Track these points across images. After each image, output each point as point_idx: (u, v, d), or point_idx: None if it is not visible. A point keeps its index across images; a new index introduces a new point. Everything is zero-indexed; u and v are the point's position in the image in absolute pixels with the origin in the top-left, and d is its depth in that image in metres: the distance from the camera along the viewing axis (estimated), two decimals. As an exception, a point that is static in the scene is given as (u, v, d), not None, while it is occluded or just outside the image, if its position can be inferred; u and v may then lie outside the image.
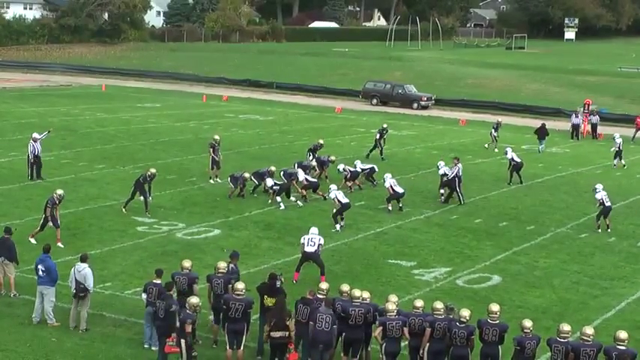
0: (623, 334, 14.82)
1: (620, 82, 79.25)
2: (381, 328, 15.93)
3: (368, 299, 16.52)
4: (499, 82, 79.04)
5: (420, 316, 15.95)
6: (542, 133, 46.84)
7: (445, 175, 32.13)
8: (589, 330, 15.12)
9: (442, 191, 32.04)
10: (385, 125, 41.68)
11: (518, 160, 35.58)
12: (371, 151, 40.32)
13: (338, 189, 28.48)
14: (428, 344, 15.73)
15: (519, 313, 19.77)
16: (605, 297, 22.06)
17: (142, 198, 28.10)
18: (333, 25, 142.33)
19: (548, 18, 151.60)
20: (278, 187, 30.09)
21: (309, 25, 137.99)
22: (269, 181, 30.25)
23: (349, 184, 32.70)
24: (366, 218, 28.83)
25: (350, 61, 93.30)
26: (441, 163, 32.98)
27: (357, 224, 27.93)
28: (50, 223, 23.97)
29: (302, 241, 21.84)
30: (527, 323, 15.35)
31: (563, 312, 20.40)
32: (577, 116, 52.44)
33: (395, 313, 15.98)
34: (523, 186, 35.06)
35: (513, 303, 20.87)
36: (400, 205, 30.01)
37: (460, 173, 31.83)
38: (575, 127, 51.55)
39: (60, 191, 24.70)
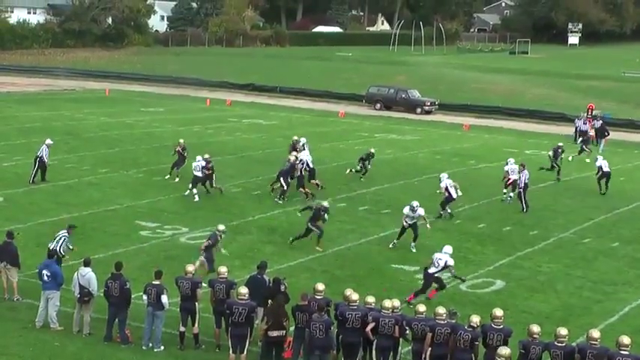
0: (626, 340, 14.78)
1: (624, 87, 79.25)
2: (373, 324, 15.97)
3: (397, 309, 16.41)
4: (503, 87, 79.07)
5: (423, 320, 15.96)
6: (601, 131, 48.92)
7: (447, 188, 30.49)
8: (595, 334, 15.07)
9: (442, 212, 30.12)
10: (373, 150, 37.15)
11: (607, 169, 35.47)
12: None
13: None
14: (430, 349, 15.73)
15: (523, 318, 19.75)
16: (609, 302, 22.03)
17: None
18: (336, 29, 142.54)
19: (551, 23, 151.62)
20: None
21: (313, 30, 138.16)
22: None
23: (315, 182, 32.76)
24: (369, 223, 28.82)
25: (353, 65, 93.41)
26: (444, 176, 30.82)
27: (361, 229, 27.93)
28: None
29: (433, 259, 21.14)
30: (536, 328, 15.32)
31: (566, 317, 20.36)
32: (580, 119, 52.47)
33: (391, 312, 16.04)
34: (527, 190, 34.85)
35: (517, 308, 20.84)
36: (449, 211, 29.97)
37: (527, 180, 31.69)
38: (583, 133, 51.34)
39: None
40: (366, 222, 28.88)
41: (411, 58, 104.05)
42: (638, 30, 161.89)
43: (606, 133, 50.31)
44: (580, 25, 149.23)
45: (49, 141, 33.16)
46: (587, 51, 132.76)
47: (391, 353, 16.26)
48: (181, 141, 34.69)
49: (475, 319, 15.64)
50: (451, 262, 20.98)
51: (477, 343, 15.56)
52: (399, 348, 16.46)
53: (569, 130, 54.11)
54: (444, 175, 30.79)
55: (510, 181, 32.78)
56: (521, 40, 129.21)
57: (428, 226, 25.79)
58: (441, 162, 41.39)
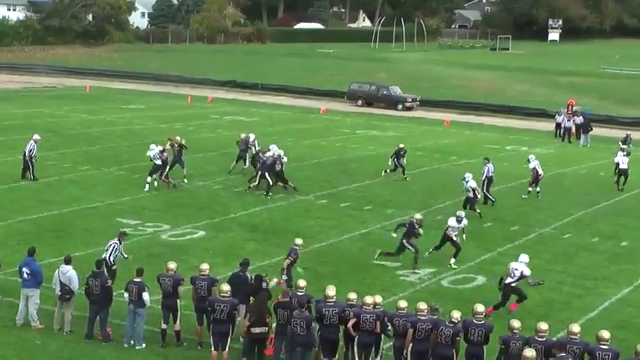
0: (606, 334, 14.87)
1: (604, 83, 79.65)
2: (354, 320, 16.01)
3: (379, 305, 16.41)
4: (484, 83, 79.26)
5: (404, 316, 16.00)
6: (584, 127, 49.69)
7: (471, 189, 29.90)
8: (575, 328, 15.21)
9: (478, 211, 29.77)
10: (402, 145, 36.56)
11: (624, 166, 35.69)
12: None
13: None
14: (411, 345, 15.78)
15: (504, 313, 19.81)
16: (589, 297, 22.16)
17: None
18: (318, 26, 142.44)
19: (532, 19, 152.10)
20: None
21: (294, 27, 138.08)
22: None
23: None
24: (351, 219, 28.84)
25: (335, 62, 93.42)
26: (469, 176, 30.14)
27: (343, 225, 27.96)
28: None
29: (509, 268, 20.55)
30: (516, 324, 15.41)
31: (547, 312, 20.45)
32: (560, 115, 52.86)
33: (372, 308, 16.07)
34: (505, 187, 34.90)
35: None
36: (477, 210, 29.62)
37: (490, 174, 31.79)
38: (567, 130, 51.61)
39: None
40: (347, 218, 28.91)
41: (393, 55, 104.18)
42: (617, 26, 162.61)
43: (589, 128, 50.66)
44: (560, 22, 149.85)
45: (36, 136, 32.88)
46: (567, 47, 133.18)
47: (373, 349, 16.30)
48: (178, 138, 34.25)
49: (456, 315, 15.70)
50: (527, 271, 20.29)
51: (458, 338, 15.61)
52: (381, 344, 16.49)
53: (549, 126, 54.42)
54: (469, 176, 30.08)
55: (541, 176, 33.04)
56: (502, 36, 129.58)
57: (464, 237, 24.75)
58: (423, 158, 41.47)
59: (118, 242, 20.27)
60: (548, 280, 23.24)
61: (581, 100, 63.32)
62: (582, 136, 50.13)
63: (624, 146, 41.34)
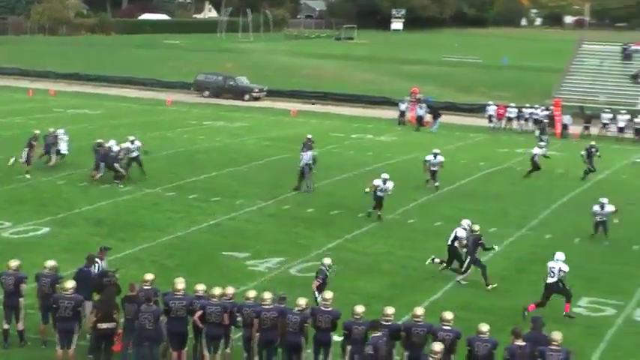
0: (448, 315, 15.36)
1: (445, 71, 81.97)
2: (201, 312, 16.01)
3: (227, 296, 16.33)
4: (330, 73, 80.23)
5: (251, 306, 16.07)
6: (432, 114, 52.15)
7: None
8: (419, 311, 15.63)
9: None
10: (309, 136, 35.41)
11: (536, 158, 36.74)
12: None
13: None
14: (258, 334, 15.87)
15: (351, 299, 20.06)
16: (433, 280, 22.76)
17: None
18: (163, 17, 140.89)
19: (376, 9, 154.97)
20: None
21: (139, 17, 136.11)
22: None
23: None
24: (199, 211, 28.72)
25: (181, 53, 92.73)
26: (385, 175, 29.21)
27: (191, 217, 27.82)
28: None
29: (549, 268, 20.34)
30: (359, 309, 15.68)
31: (393, 296, 20.88)
32: (404, 103, 54.19)
33: (218, 300, 16.07)
34: (351, 175, 35.50)
35: (345, 289, 21.11)
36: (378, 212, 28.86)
37: (309, 161, 31.98)
38: (420, 117, 52.78)
39: None
40: (195, 210, 28.78)
41: (240, 45, 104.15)
42: (456, 16, 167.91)
43: (438, 114, 52.04)
44: (403, 11, 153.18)
45: None
46: (410, 36, 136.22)
47: (223, 341, 16.28)
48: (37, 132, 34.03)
49: (302, 302, 15.88)
50: (565, 268, 20.17)
51: (306, 325, 15.79)
52: (231, 335, 16.50)
53: (393, 114, 55.56)
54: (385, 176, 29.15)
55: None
56: (347, 26, 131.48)
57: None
58: (270, 148, 41.68)
59: (99, 260, 18.52)
60: (394, 264, 23.82)
61: (424, 88, 64.89)
62: (434, 123, 51.39)
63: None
